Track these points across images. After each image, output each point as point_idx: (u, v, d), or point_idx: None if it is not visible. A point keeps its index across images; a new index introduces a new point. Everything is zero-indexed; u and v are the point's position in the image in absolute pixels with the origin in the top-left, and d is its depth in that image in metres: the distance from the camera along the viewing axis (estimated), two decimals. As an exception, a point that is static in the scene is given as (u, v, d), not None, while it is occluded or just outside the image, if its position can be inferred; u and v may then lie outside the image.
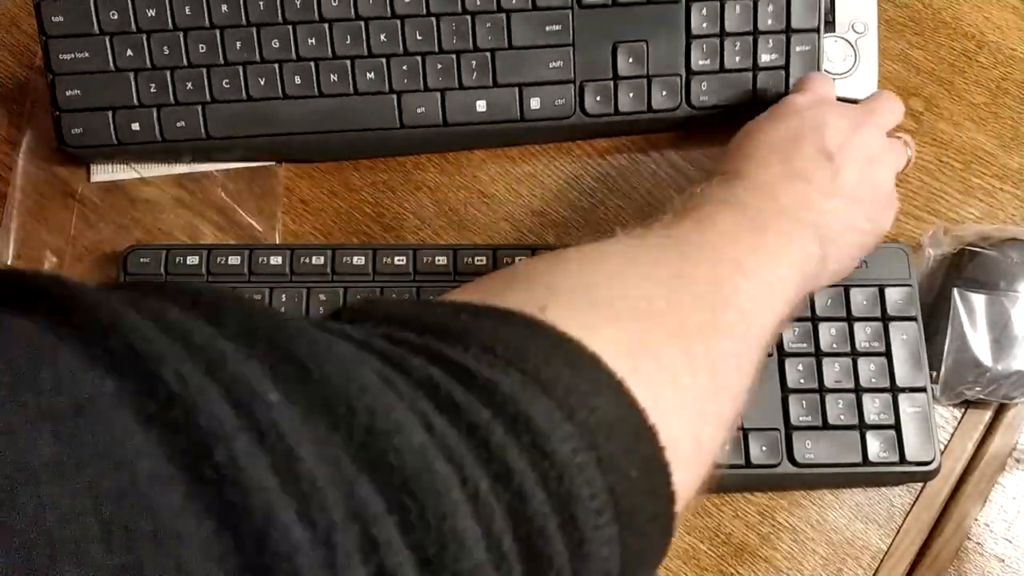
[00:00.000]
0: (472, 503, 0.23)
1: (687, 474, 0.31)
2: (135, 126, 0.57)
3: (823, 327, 0.55)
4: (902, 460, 0.52)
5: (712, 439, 0.33)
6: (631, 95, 0.58)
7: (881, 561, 0.54)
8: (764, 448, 0.53)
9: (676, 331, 0.34)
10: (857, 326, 0.55)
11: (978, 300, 0.54)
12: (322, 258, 0.56)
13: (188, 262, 0.56)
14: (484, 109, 0.58)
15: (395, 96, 0.57)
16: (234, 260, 0.56)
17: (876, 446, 0.53)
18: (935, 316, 0.55)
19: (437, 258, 0.56)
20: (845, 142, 0.47)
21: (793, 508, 0.54)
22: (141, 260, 0.56)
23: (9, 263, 0.59)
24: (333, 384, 0.23)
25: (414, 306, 0.32)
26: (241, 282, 0.55)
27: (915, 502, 0.55)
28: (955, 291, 0.55)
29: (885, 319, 0.55)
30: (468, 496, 0.23)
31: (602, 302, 0.33)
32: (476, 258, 0.56)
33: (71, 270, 0.59)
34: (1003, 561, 0.54)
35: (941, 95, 0.62)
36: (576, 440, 0.26)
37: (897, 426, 0.53)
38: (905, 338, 0.54)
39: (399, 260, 0.56)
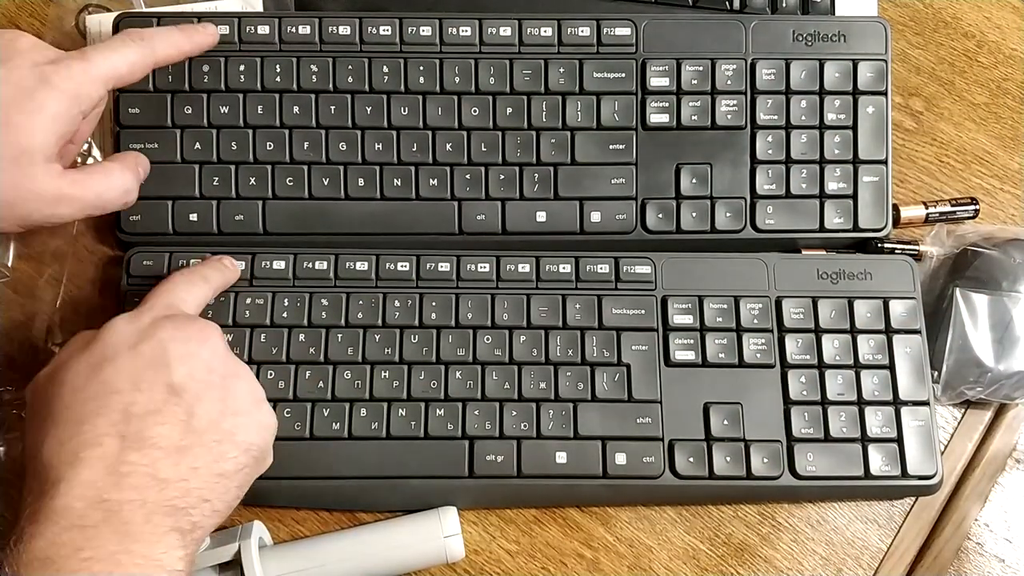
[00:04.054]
0: None
1: None
2: (193, 217, 0.56)
3: (826, 339, 0.55)
4: (904, 474, 0.53)
5: None
6: (694, 215, 0.57)
7: (881, 561, 0.55)
8: (766, 460, 0.53)
9: None
10: (860, 339, 0.55)
11: (980, 300, 0.55)
12: (325, 263, 0.55)
13: (191, 264, 0.55)
14: (544, 219, 0.57)
15: (456, 203, 0.57)
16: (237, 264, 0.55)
17: (878, 459, 0.53)
18: (937, 316, 0.56)
19: (440, 265, 0.55)
20: (195, 369, 0.43)
21: (793, 508, 0.55)
22: (144, 263, 0.55)
23: (10, 264, 0.57)
24: None
25: None
26: (244, 287, 0.55)
27: (915, 502, 0.55)
28: (957, 291, 0.55)
29: (889, 332, 0.55)
30: None
31: None
32: (479, 265, 0.55)
33: (73, 271, 0.58)
34: (1003, 561, 0.55)
35: (941, 95, 0.62)
36: None
37: (899, 440, 0.53)
38: (908, 351, 0.55)
39: (402, 266, 0.55)
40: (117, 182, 0.50)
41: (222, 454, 0.42)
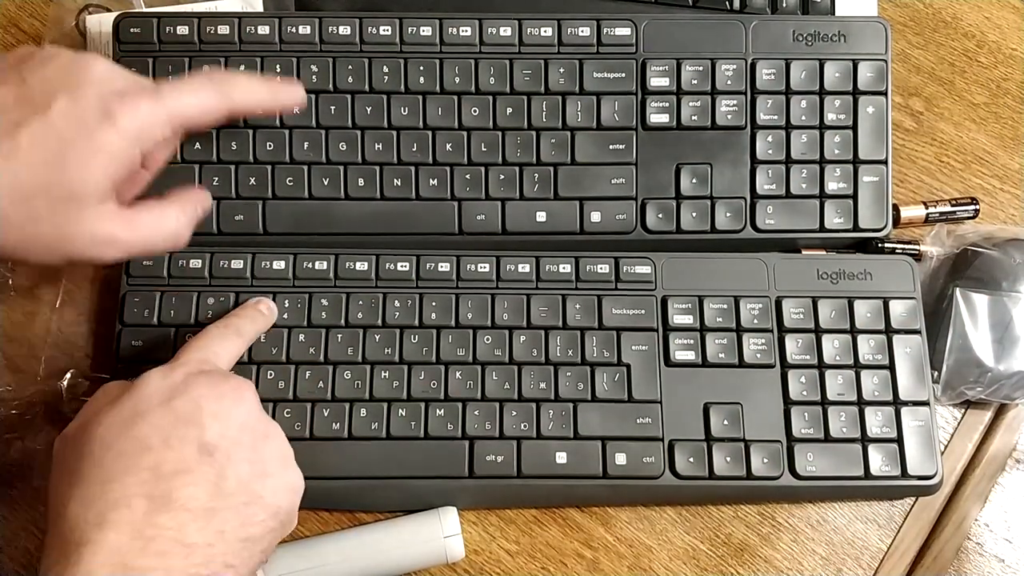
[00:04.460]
0: None
1: None
2: (193, 216, 0.56)
3: (826, 339, 0.55)
4: (904, 474, 0.53)
5: None
6: (694, 214, 0.57)
7: (881, 561, 0.55)
8: (766, 460, 0.53)
9: None
10: (860, 339, 0.55)
11: (980, 300, 0.55)
12: (325, 263, 0.55)
13: (191, 265, 0.55)
14: (544, 220, 0.57)
15: (456, 203, 0.57)
16: (237, 264, 0.55)
17: (878, 460, 0.53)
18: (937, 316, 0.56)
19: (440, 265, 0.55)
20: (227, 427, 0.42)
21: (793, 508, 0.55)
22: (143, 262, 0.55)
23: (10, 264, 0.57)
24: None
25: None
26: (244, 287, 0.55)
27: (915, 502, 0.56)
28: (957, 291, 0.55)
29: (889, 332, 0.55)
30: None
31: None
32: (479, 265, 0.55)
33: (73, 271, 0.58)
34: (1003, 561, 0.55)
35: (941, 95, 0.62)
36: None
37: (899, 440, 0.53)
38: (908, 351, 0.55)
39: (402, 266, 0.55)
40: (169, 226, 0.47)
41: (250, 517, 0.41)
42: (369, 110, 0.57)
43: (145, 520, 0.38)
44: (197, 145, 0.57)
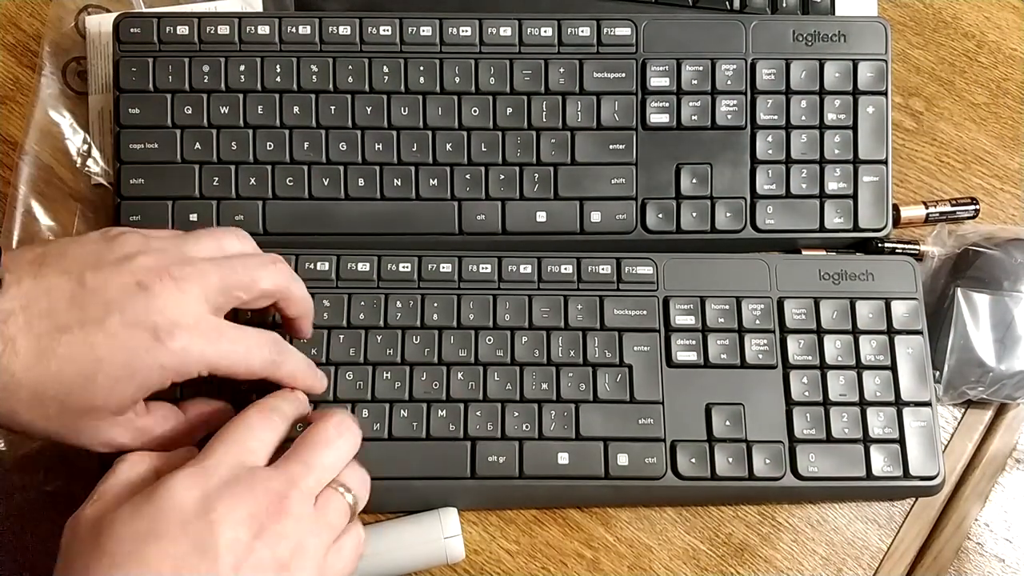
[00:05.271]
0: None
1: None
2: (193, 216, 0.56)
3: (828, 340, 0.55)
4: (906, 475, 0.53)
5: None
6: (694, 215, 0.57)
7: (881, 561, 0.55)
8: (767, 461, 0.53)
9: None
10: (863, 339, 0.55)
11: (981, 300, 0.55)
12: (327, 264, 0.55)
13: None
14: (544, 219, 0.57)
15: (456, 203, 0.57)
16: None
17: (880, 460, 0.53)
18: (938, 316, 0.56)
19: (442, 266, 0.55)
20: (244, 560, 0.37)
21: (793, 508, 0.55)
22: None
23: None
24: None
25: None
26: None
27: (915, 502, 0.56)
28: (958, 291, 0.55)
29: (890, 332, 0.55)
30: None
31: None
32: (481, 266, 0.55)
33: None
34: (1003, 561, 0.55)
35: (941, 95, 0.62)
36: None
37: (901, 440, 0.53)
38: (911, 352, 0.55)
39: (404, 267, 0.55)
40: (184, 443, 0.45)
41: None
42: (369, 110, 0.57)
43: None
44: (197, 145, 0.56)
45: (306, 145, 0.57)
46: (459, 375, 0.54)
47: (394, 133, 0.57)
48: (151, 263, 0.42)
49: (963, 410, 0.58)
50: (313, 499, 0.41)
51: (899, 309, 0.55)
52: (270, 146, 0.57)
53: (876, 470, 0.53)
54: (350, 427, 0.44)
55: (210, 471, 0.39)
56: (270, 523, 0.38)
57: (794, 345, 0.55)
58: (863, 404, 0.54)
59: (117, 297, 0.41)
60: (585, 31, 0.58)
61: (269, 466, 0.41)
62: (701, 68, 0.58)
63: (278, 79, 0.57)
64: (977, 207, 0.59)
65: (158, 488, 0.38)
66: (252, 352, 0.44)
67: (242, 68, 0.57)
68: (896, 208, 0.59)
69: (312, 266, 0.55)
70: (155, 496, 0.38)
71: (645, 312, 0.55)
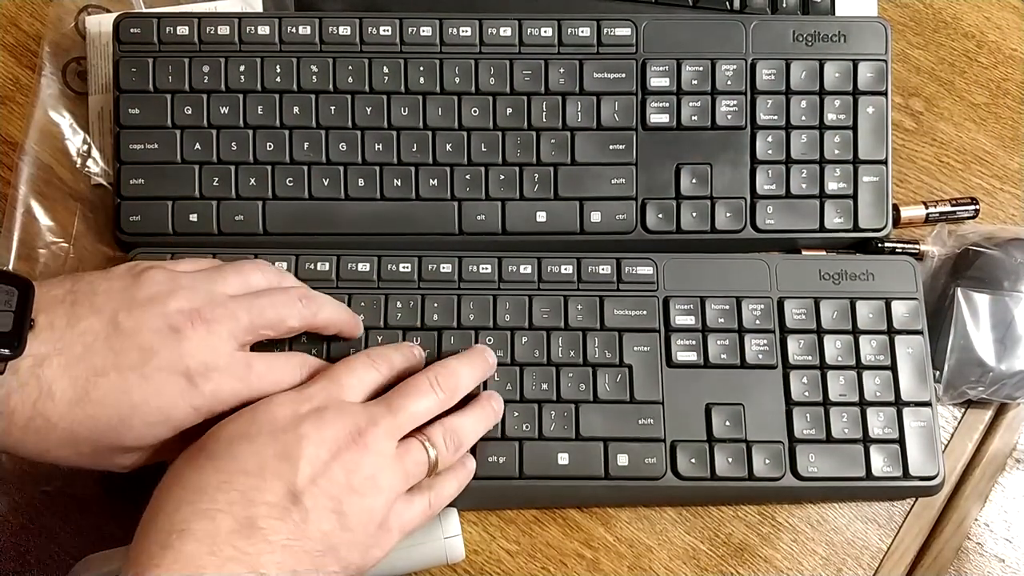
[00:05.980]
0: None
1: None
2: (193, 217, 0.56)
3: (828, 340, 0.55)
4: (906, 475, 0.53)
5: None
6: (694, 214, 0.57)
7: (881, 561, 0.55)
8: (767, 461, 0.53)
9: None
10: (863, 339, 0.55)
11: (981, 300, 0.55)
12: (327, 264, 0.55)
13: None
14: (544, 220, 0.57)
15: (456, 203, 0.57)
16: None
17: (880, 460, 0.53)
18: (938, 316, 0.56)
19: (442, 266, 0.55)
20: (321, 474, 0.41)
21: (793, 508, 0.55)
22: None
23: (11, 265, 0.57)
24: None
25: None
26: None
27: (915, 502, 0.56)
28: (958, 291, 0.55)
29: (891, 332, 0.55)
30: None
31: None
32: (481, 266, 0.55)
33: (73, 271, 0.57)
34: (1003, 561, 0.55)
35: (941, 95, 0.62)
36: None
37: (901, 441, 0.53)
38: (911, 352, 0.55)
39: (404, 267, 0.55)
40: None
41: (323, 565, 0.41)
42: (369, 110, 0.57)
43: (226, 539, 0.38)
44: (197, 145, 0.56)
45: (306, 145, 0.57)
46: (459, 375, 0.54)
47: (394, 133, 0.57)
48: (182, 305, 0.44)
49: (963, 410, 0.57)
50: (394, 441, 0.44)
51: (899, 309, 0.55)
52: (270, 146, 0.57)
53: (876, 470, 0.53)
54: (450, 385, 0.47)
55: (306, 397, 0.44)
56: (347, 450, 0.42)
57: (794, 345, 0.55)
58: (863, 404, 0.54)
59: (150, 341, 0.43)
60: (585, 31, 0.58)
61: (361, 404, 0.45)
62: (701, 68, 0.58)
63: (278, 79, 0.57)
64: (977, 207, 0.59)
65: (260, 404, 0.43)
66: (281, 380, 0.46)
67: (242, 68, 0.57)
68: (896, 208, 0.59)
69: (312, 266, 0.55)
70: (256, 409, 0.43)
71: (645, 312, 0.55)
